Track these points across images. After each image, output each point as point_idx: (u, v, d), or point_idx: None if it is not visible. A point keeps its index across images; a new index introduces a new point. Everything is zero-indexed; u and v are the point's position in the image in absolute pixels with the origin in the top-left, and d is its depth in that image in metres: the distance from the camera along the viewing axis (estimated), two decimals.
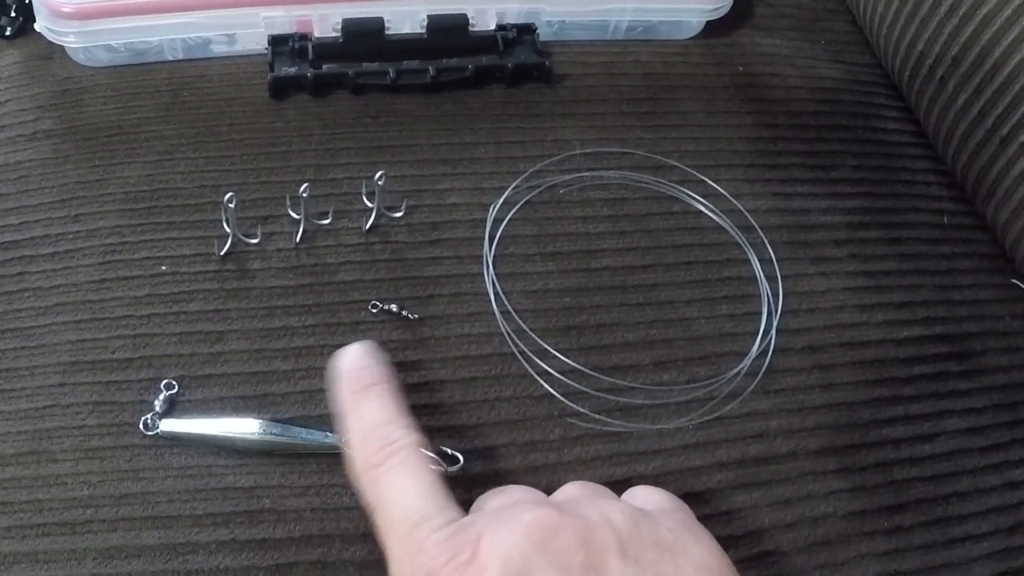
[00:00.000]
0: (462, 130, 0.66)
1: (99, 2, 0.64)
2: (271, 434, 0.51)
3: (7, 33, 0.70)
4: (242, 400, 0.53)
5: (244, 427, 0.51)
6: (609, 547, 0.40)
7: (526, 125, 0.67)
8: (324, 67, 0.67)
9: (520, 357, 0.56)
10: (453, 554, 0.40)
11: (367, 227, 0.60)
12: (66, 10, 0.63)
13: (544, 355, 0.56)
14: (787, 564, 0.51)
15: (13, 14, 0.70)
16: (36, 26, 0.65)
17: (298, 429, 0.51)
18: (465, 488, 0.50)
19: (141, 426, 0.51)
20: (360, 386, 0.49)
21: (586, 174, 0.65)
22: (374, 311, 0.57)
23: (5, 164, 0.62)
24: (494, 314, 0.57)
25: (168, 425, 0.51)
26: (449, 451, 0.50)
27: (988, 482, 0.55)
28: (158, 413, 0.52)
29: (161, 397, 0.52)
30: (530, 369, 0.55)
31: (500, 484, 0.49)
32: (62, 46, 0.66)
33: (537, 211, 0.63)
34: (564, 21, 0.72)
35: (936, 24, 0.68)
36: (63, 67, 0.68)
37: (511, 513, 0.42)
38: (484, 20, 0.69)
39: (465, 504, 0.46)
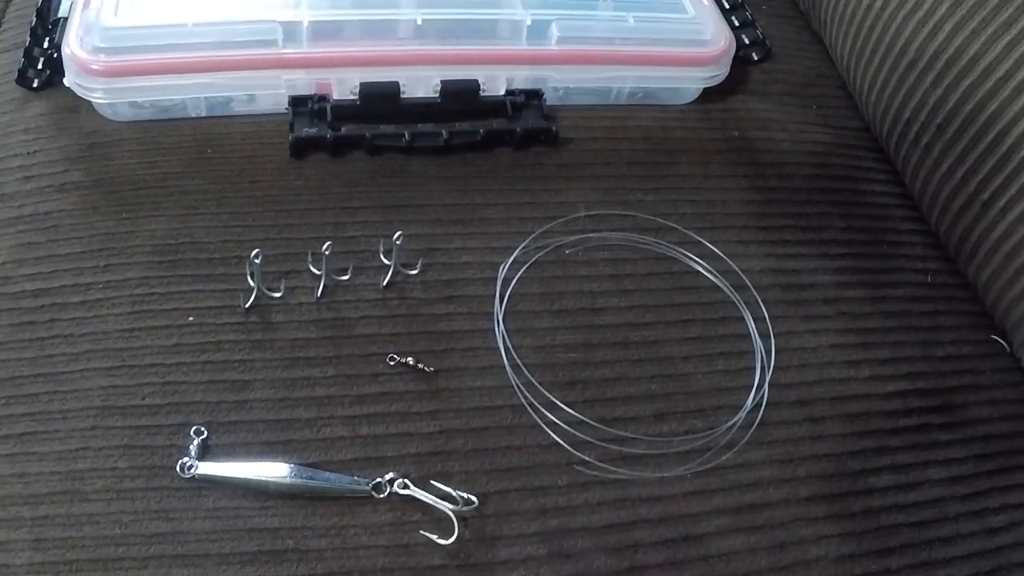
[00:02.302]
0: (473, 191, 0.68)
1: (127, 61, 0.65)
2: (302, 478, 0.53)
3: (34, 85, 0.71)
4: (267, 446, 0.55)
5: (276, 471, 0.53)
6: None
7: (533, 187, 0.69)
8: (342, 129, 0.68)
9: (529, 409, 0.58)
10: None
11: (384, 283, 0.62)
12: (95, 67, 0.65)
13: (552, 407, 0.58)
14: None
15: (40, 67, 0.71)
16: (65, 81, 0.67)
17: (326, 474, 0.53)
18: (479, 527, 0.52)
19: (178, 469, 0.53)
20: None
21: (590, 235, 0.66)
22: (391, 363, 0.58)
23: (35, 214, 0.63)
24: (504, 368, 0.59)
25: (205, 469, 0.53)
26: (464, 495, 0.52)
27: (969, 528, 0.57)
28: (195, 457, 0.53)
29: (195, 443, 0.54)
30: (539, 420, 0.57)
31: (511, 525, 0.52)
32: (88, 100, 0.67)
33: (544, 270, 0.64)
34: (569, 87, 0.74)
35: (922, 93, 0.70)
36: (90, 120, 0.69)
37: None
38: (494, 86, 0.71)
39: (478, 541, 0.49)
